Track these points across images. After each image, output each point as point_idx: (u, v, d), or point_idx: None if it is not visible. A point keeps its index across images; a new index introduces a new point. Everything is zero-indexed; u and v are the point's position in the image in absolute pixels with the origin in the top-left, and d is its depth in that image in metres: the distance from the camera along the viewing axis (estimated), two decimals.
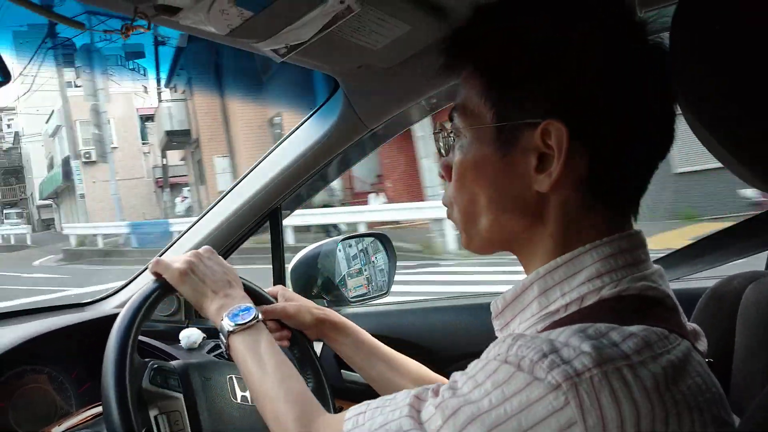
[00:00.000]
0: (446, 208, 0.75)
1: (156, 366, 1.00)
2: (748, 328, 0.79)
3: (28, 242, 27.52)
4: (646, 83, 0.64)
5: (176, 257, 1.01)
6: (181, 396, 0.98)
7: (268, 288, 1.18)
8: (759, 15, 0.57)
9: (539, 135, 0.63)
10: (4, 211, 37.69)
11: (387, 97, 1.28)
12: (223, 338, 0.93)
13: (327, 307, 1.66)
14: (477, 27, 0.69)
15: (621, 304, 0.62)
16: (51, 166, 32.35)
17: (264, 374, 0.87)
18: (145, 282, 0.99)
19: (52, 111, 27.91)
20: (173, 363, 1.04)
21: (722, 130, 0.60)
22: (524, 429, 0.53)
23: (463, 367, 0.63)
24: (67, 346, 1.28)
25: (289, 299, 1.15)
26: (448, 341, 1.50)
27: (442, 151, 0.75)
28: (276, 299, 1.15)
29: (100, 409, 1.06)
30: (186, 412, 0.97)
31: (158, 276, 0.99)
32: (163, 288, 0.98)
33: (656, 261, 1.06)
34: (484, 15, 0.69)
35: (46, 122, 30.90)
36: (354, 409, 0.72)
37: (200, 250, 1.03)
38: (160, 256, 1.07)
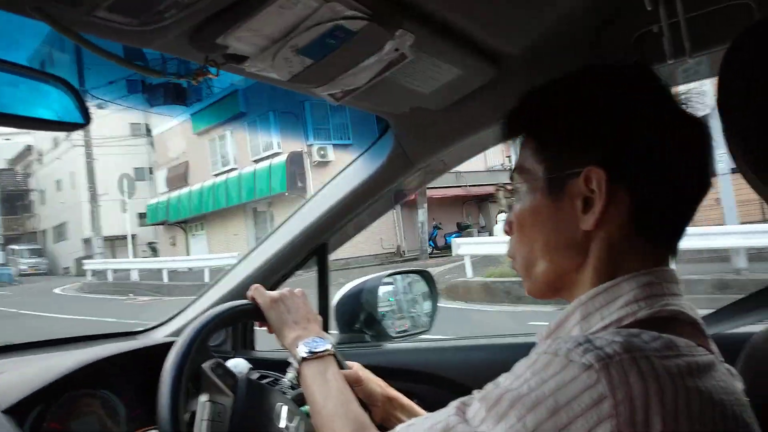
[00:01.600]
0: (511, 260, 0.84)
1: (220, 361, 1.07)
2: None
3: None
4: (674, 138, 0.72)
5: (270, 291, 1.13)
6: (232, 396, 1.03)
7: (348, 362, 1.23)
8: None
9: (583, 181, 0.72)
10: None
11: (435, 138, 1.32)
12: (295, 364, 1.02)
13: (369, 342, 1.69)
14: (529, 105, 0.80)
15: (654, 322, 0.67)
16: None
17: (327, 396, 0.96)
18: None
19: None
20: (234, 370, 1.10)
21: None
22: (560, 405, 0.58)
23: None
24: (120, 372, 1.32)
25: (361, 370, 1.20)
26: (487, 378, 1.48)
27: (506, 208, 0.84)
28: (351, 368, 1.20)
29: None
30: (231, 412, 1.02)
31: (252, 300, 1.11)
32: (254, 308, 1.10)
33: (707, 316, 1.05)
34: (533, 95, 0.80)
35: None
36: (403, 424, 0.78)
37: (294, 290, 1.15)
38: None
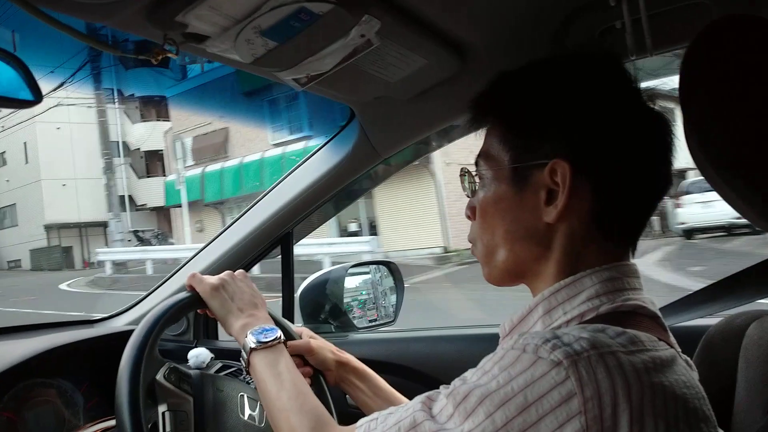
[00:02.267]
0: (471, 245, 0.84)
1: (173, 366, 1.02)
2: (750, 365, 0.81)
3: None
4: (640, 134, 0.73)
5: (209, 276, 1.06)
6: (191, 399, 1.00)
7: (297, 328, 1.22)
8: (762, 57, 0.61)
9: (547, 173, 0.72)
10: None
11: (401, 128, 1.31)
12: (244, 354, 0.97)
13: (334, 332, 1.69)
14: (499, 88, 0.80)
15: (616, 316, 0.68)
16: None
17: (281, 389, 0.91)
18: (173, 294, 1.02)
19: None
20: (189, 370, 1.06)
21: (726, 166, 0.64)
22: (530, 402, 0.59)
23: None
24: (77, 361, 1.30)
25: (313, 338, 1.20)
26: (455, 370, 1.49)
27: (468, 193, 0.84)
28: (301, 337, 1.19)
29: (108, 423, 1.07)
30: (193, 416, 0.99)
31: (191, 289, 1.04)
32: (194, 299, 1.02)
33: (664, 307, 1.08)
34: (504, 79, 0.80)
35: None
36: (365, 419, 0.77)
37: (234, 272, 1.08)
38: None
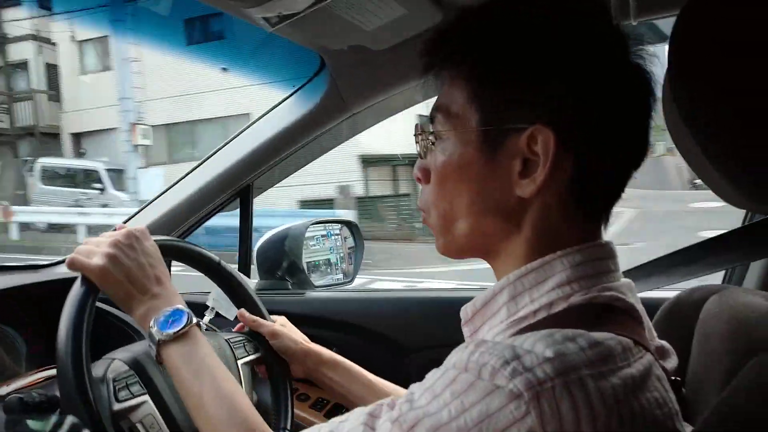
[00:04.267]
0: (422, 213, 0.74)
1: (113, 378, 0.90)
2: (706, 340, 0.80)
3: None
4: (629, 95, 0.65)
5: (95, 247, 0.89)
6: (147, 398, 0.91)
7: (273, 316, 1.17)
8: (759, 27, 0.59)
9: (525, 140, 0.63)
10: None
11: (374, 81, 1.27)
12: (152, 348, 0.85)
13: (290, 290, 1.66)
14: (465, 27, 0.67)
15: (589, 311, 0.62)
16: None
17: (203, 391, 0.81)
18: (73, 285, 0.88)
19: None
20: (126, 357, 0.95)
21: (712, 143, 0.62)
22: None
23: (424, 358, 0.62)
24: (20, 306, 1.24)
25: (283, 326, 1.14)
26: (409, 331, 1.50)
27: (421, 153, 0.73)
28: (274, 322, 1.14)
29: (50, 372, 1.02)
30: (158, 413, 0.91)
31: (80, 272, 0.88)
32: (91, 291, 0.87)
33: (628, 271, 1.08)
34: (473, 15, 0.67)
35: None
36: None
37: (122, 235, 0.90)
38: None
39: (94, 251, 0.88)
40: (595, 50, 0.63)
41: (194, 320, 0.87)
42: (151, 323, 0.85)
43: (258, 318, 1.12)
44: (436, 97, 0.72)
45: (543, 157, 0.62)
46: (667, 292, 1.12)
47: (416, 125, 0.73)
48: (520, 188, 0.64)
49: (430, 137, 0.70)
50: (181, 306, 0.88)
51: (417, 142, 0.73)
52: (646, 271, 1.09)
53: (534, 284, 0.65)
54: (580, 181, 0.64)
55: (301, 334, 1.15)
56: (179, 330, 0.84)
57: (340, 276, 1.81)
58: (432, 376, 0.59)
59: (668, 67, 0.63)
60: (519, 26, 0.64)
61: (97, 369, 0.91)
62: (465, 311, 0.71)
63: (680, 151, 0.69)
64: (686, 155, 0.68)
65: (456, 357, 0.58)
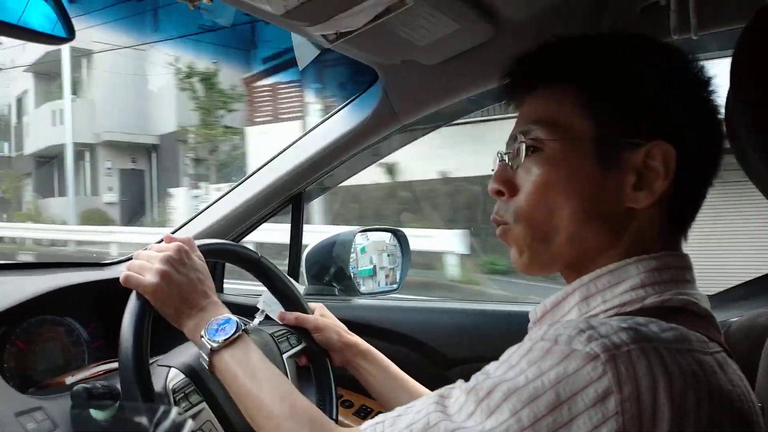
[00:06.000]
0: (499, 227, 0.74)
1: (173, 390, 0.93)
2: None
3: None
4: (714, 117, 0.69)
5: (148, 263, 0.92)
6: (205, 405, 0.94)
7: (311, 304, 1.21)
8: None
9: (643, 155, 0.65)
10: None
11: (425, 94, 1.30)
12: (204, 357, 0.86)
13: (337, 296, 1.70)
14: (573, 52, 0.71)
15: (662, 312, 0.61)
16: None
17: (262, 392, 0.81)
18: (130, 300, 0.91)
19: None
20: (181, 365, 0.97)
21: None
22: (562, 400, 0.53)
23: (467, 371, 0.64)
24: (86, 301, 1.31)
25: (324, 316, 1.18)
26: (455, 343, 1.50)
27: (511, 164, 0.73)
28: (312, 313, 1.18)
29: (111, 365, 1.08)
30: (216, 420, 0.94)
31: (135, 290, 0.90)
32: (147, 308, 0.89)
33: (714, 296, 1.05)
34: (578, 43, 0.71)
35: None
36: (370, 422, 0.69)
37: (173, 251, 0.92)
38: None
39: (147, 267, 0.91)
40: (692, 83, 0.68)
41: (243, 326, 0.88)
42: (202, 332, 0.87)
43: (300, 314, 1.16)
44: (518, 112, 0.75)
45: (664, 170, 0.65)
46: (727, 316, 1.09)
47: (512, 136, 0.74)
48: (634, 200, 0.66)
49: (521, 146, 0.71)
50: (228, 314, 0.90)
51: (506, 153, 0.74)
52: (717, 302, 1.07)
53: (608, 286, 0.66)
54: (681, 193, 0.67)
55: (339, 323, 1.18)
56: (230, 336, 0.86)
57: (386, 284, 1.84)
58: (507, 352, 0.61)
59: (731, 77, 0.63)
60: (625, 56, 0.69)
61: (157, 380, 0.93)
62: (534, 312, 0.72)
63: (744, 168, 0.67)
64: (749, 171, 0.68)
65: (530, 335, 0.60)
